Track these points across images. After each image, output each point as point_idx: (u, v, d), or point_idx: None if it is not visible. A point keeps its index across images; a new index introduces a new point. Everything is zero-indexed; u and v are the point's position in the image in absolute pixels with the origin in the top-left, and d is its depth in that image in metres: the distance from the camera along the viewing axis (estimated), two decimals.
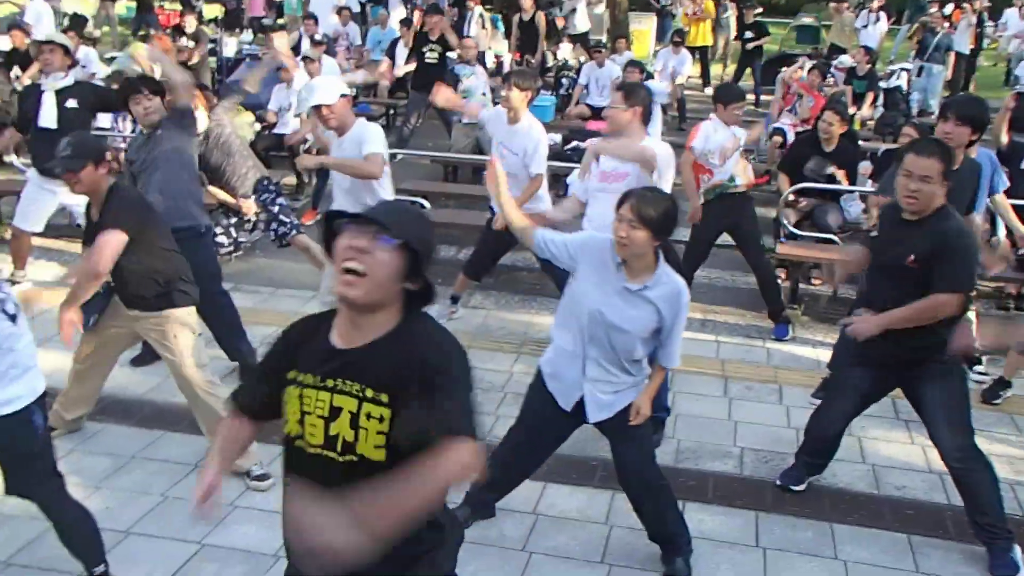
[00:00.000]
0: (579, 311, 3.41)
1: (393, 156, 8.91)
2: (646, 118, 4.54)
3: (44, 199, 6.25)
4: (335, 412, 2.05)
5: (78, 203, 6.28)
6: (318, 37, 11.15)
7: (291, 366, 2.13)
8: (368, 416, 2.02)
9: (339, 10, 13.88)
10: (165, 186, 4.65)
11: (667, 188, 4.31)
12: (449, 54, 10.28)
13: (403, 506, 1.86)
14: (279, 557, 3.62)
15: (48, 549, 3.61)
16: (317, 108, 4.61)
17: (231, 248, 5.94)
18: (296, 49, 11.58)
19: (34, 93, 6.21)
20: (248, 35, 14.15)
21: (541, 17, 13.72)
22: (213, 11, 16.11)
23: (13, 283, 6.30)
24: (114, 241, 3.77)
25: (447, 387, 1.99)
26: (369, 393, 2.02)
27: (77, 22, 11.91)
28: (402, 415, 1.99)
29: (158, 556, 3.64)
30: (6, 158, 9.03)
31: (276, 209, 6.10)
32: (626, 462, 3.62)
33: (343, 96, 4.64)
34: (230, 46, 13.23)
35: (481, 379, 5.35)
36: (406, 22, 12.50)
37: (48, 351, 5.04)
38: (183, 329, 4.09)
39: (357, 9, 15.38)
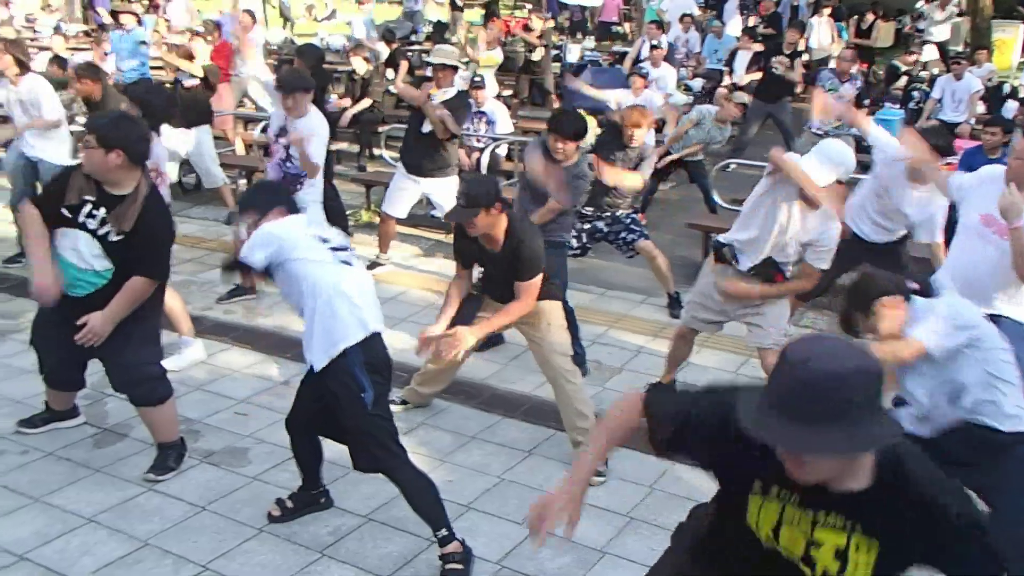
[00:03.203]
0: None
1: (726, 166, 8.89)
2: None
3: (408, 189, 6.88)
4: (818, 543, 2.03)
5: (434, 193, 6.85)
6: (655, 43, 11.29)
7: (753, 475, 2.08)
8: (857, 548, 2.00)
9: (681, 16, 13.95)
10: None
11: None
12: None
13: None
14: (604, 553, 3.75)
15: (401, 509, 3.96)
16: None
17: (577, 251, 6.21)
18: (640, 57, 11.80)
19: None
20: (591, 41, 14.60)
21: (879, 26, 13.00)
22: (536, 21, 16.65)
23: (377, 264, 7.00)
24: (536, 284, 4.15)
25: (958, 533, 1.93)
26: (859, 528, 1.99)
27: (439, 29, 12.92)
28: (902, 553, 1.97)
29: (493, 534, 3.89)
30: (376, 151, 10.06)
31: (628, 221, 6.25)
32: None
33: None
34: (573, 52, 13.73)
35: None
36: (749, 31, 12.33)
37: (398, 331, 5.58)
38: (556, 318, 4.36)
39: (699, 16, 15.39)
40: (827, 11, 13.42)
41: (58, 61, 9.61)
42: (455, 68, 6.68)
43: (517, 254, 4.10)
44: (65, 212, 3.87)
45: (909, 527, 1.93)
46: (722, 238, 4.64)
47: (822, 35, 13.02)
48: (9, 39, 7.25)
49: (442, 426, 4.78)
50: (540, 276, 4.17)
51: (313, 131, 5.82)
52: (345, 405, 3.52)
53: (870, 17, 15.20)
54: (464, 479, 4.27)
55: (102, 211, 3.85)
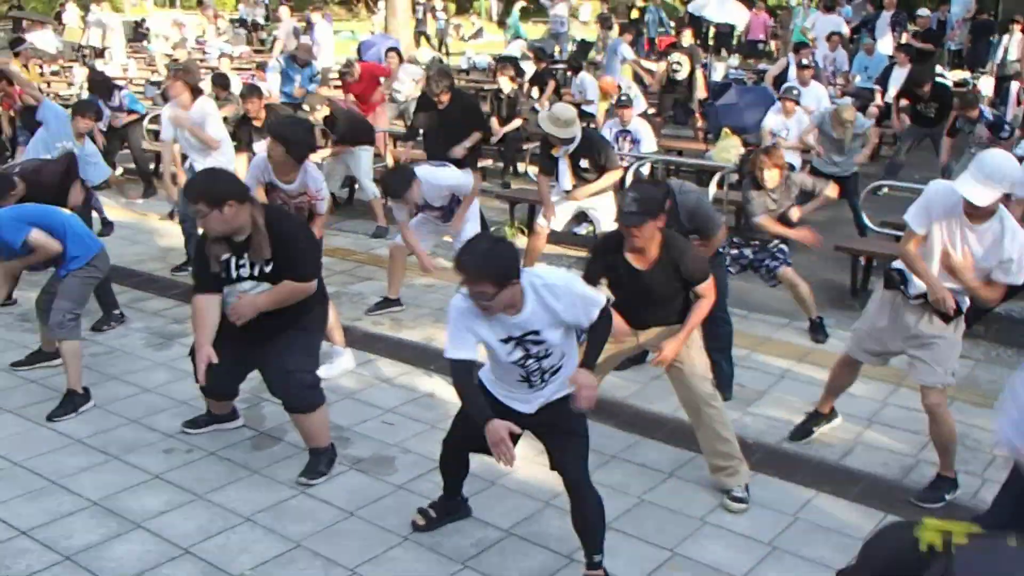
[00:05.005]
0: None
1: (878, 188, 8.60)
2: None
3: (566, 205, 6.98)
4: None
5: (596, 207, 6.94)
6: (805, 62, 11.05)
7: None
8: None
9: (829, 35, 13.61)
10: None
11: None
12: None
13: None
14: None
15: (541, 525, 4.05)
16: None
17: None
18: (783, 76, 11.59)
19: None
20: (735, 59, 14.42)
21: None
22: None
23: None
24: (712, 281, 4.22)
25: None
26: None
27: (583, 48, 13.05)
28: None
29: (633, 555, 3.88)
30: (521, 168, 10.21)
31: (771, 245, 6.17)
32: None
33: None
34: (718, 70, 13.59)
35: (966, 435, 4.95)
36: (904, 48, 11.91)
37: None
38: (696, 340, 4.31)
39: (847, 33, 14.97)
40: (1018, 27, 12.87)
41: (220, 80, 10.17)
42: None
43: (681, 264, 4.11)
44: (221, 276, 4.22)
45: None
46: (897, 264, 4.39)
47: (1012, 50, 12.52)
48: (180, 67, 7.74)
49: None
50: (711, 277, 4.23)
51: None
52: (576, 426, 3.63)
53: None
54: (604, 498, 4.26)
55: (245, 257, 4.19)
